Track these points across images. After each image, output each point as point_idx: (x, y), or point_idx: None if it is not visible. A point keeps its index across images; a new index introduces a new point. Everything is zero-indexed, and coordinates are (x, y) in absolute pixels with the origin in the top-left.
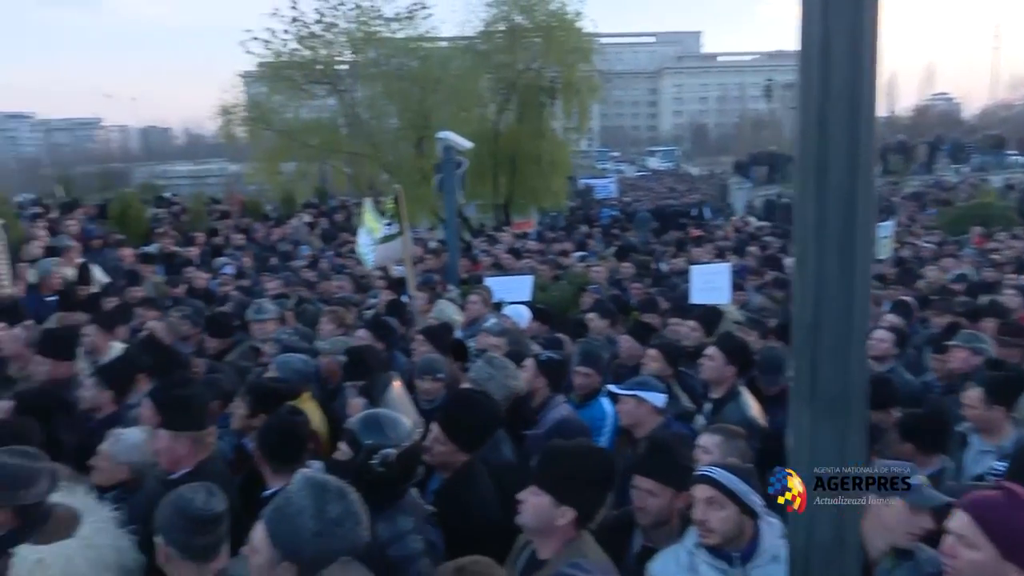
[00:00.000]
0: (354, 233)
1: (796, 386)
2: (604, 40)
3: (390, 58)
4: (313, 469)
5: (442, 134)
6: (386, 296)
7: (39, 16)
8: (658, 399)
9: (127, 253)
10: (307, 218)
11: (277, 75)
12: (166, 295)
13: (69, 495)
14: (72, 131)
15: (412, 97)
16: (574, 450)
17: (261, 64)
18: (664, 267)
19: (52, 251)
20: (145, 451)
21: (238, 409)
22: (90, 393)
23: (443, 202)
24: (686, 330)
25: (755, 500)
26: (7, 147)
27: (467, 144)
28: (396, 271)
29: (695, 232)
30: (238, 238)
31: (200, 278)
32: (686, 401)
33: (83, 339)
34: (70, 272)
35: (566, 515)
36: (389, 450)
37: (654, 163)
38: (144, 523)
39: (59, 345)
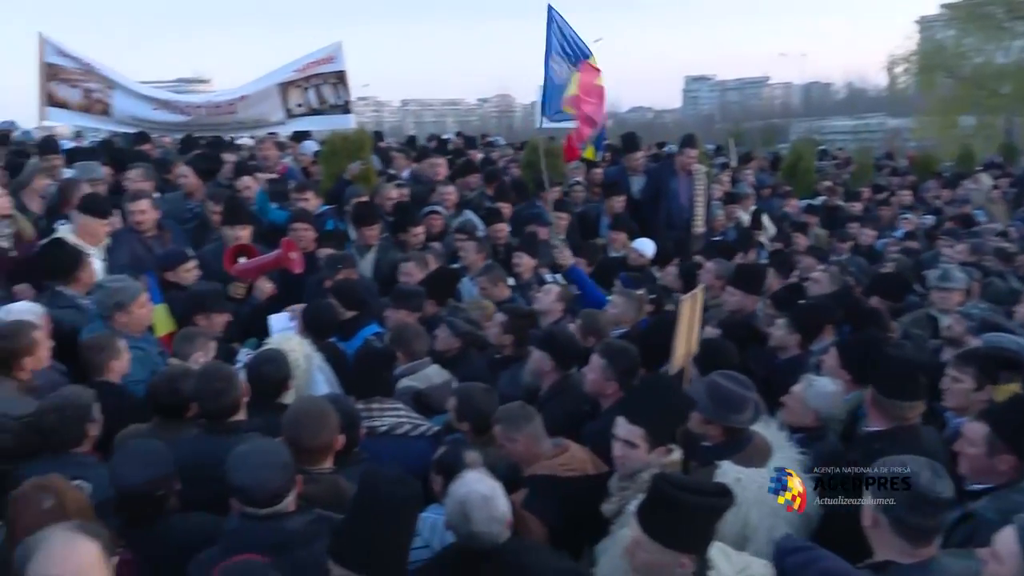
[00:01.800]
0: None
1: None
2: None
3: None
4: None
5: None
6: None
7: None
8: None
9: (793, 203)
10: (987, 179)
11: (971, 15)
12: (827, 247)
13: (765, 427)
14: (742, 90)
15: None
16: None
17: (947, 6)
18: None
19: (732, 197)
20: (834, 403)
21: (959, 384)
22: (780, 333)
23: None
24: None
25: None
26: (689, 106)
27: None
28: None
29: None
30: (906, 196)
31: (867, 235)
32: None
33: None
34: (744, 216)
35: None
36: None
37: None
38: None
39: (752, 281)
